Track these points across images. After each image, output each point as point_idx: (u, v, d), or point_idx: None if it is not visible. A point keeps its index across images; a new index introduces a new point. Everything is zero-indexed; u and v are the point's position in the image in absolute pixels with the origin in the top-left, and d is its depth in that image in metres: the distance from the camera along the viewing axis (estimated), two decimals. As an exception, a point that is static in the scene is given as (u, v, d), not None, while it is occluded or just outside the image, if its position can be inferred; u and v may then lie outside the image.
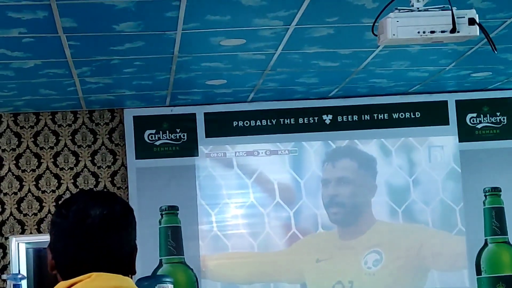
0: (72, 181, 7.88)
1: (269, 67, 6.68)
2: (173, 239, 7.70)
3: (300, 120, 7.92)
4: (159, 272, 7.61)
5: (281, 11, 5.23)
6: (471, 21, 3.65)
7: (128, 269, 1.99)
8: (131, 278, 2.01)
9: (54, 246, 1.97)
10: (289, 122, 7.91)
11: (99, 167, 7.91)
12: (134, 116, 7.84)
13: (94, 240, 1.94)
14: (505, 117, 8.01)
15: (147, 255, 7.62)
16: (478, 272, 7.82)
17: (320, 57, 6.43)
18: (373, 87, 7.64)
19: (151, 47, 5.91)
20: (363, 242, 7.85)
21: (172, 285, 7.07)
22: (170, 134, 7.84)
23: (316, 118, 7.93)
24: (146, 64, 6.37)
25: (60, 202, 1.94)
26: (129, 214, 2.02)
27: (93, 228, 1.95)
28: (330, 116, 7.95)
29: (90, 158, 7.91)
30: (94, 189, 7.82)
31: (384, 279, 7.82)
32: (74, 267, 1.94)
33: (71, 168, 7.90)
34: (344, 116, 7.95)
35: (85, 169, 7.91)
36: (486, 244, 7.86)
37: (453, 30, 3.61)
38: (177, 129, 7.85)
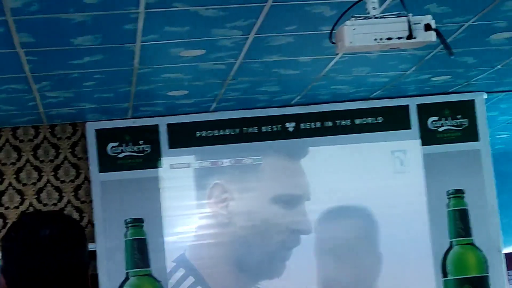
0: (36, 196, 7.82)
1: (230, 77, 6.69)
2: (139, 252, 7.66)
3: (263, 129, 7.92)
4: (126, 286, 7.57)
5: (239, 20, 5.23)
6: (427, 27, 3.68)
7: (83, 286, 1.99)
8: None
9: (6, 269, 1.96)
10: (252, 131, 7.91)
11: (62, 182, 7.85)
12: (96, 129, 7.80)
13: (46, 261, 1.94)
14: (466, 120, 8.07)
15: (114, 269, 7.59)
16: (444, 274, 7.87)
17: (281, 65, 6.44)
18: (334, 94, 7.67)
19: (110, 60, 5.88)
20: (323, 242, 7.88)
21: (139, 298, 7.05)
22: (133, 146, 7.81)
23: (279, 126, 7.94)
24: (107, 77, 6.35)
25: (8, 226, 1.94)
26: (79, 232, 2.02)
27: (44, 248, 1.94)
28: (293, 124, 7.96)
29: (53, 173, 7.85)
30: (58, 204, 7.77)
31: (350, 284, 7.83)
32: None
33: (34, 184, 7.84)
34: (307, 123, 7.96)
35: (48, 184, 7.85)
36: (451, 246, 7.90)
37: (409, 36, 3.64)
38: (140, 141, 7.82)
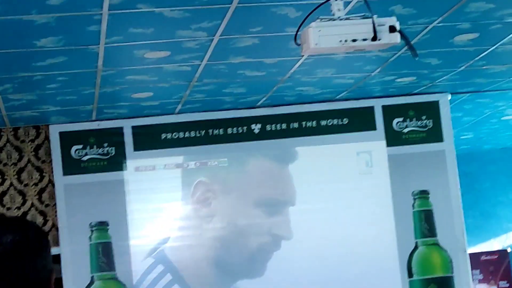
0: (-1, 200, 7.75)
1: (195, 79, 6.66)
2: (104, 255, 7.61)
3: (229, 131, 7.90)
4: (91, 289, 7.52)
5: (204, 22, 5.21)
6: (392, 29, 3.68)
7: None
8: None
9: None
10: (218, 133, 7.89)
11: (25, 185, 7.78)
12: (60, 132, 7.73)
13: (8, 269, 1.90)
14: (431, 121, 8.11)
15: (79, 272, 7.53)
16: (410, 274, 7.90)
17: (246, 67, 6.43)
18: (300, 95, 7.67)
19: (74, 62, 5.83)
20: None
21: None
22: (97, 149, 7.75)
23: (245, 127, 7.92)
24: (70, 79, 6.29)
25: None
26: (42, 238, 1.99)
27: (5, 255, 1.91)
28: (259, 126, 7.94)
29: (16, 176, 7.77)
30: (21, 208, 7.69)
31: (317, 284, 7.84)
32: None
33: (-3, 187, 7.76)
34: (272, 125, 7.95)
35: (11, 187, 7.76)
36: (416, 247, 7.94)
37: (374, 38, 3.64)
38: (104, 144, 7.76)
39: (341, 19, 3.66)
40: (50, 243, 2.00)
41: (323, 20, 3.65)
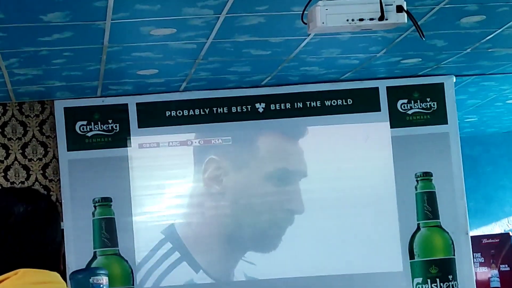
0: (3, 174, 7.76)
1: (200, 57, 6.66)
2: (107, 231, 7.64)
3: (233, 109, 7.91)
4: (94, 265, 7.55)
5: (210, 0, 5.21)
6: (399, 9, 3.68)
7: (55, 265, 1.98)
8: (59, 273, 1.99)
9: None
10: (222, 111, 7.89)
11: (30, 160, 7.80)
12: (65, 108, 7.74)
13: (19, 238, 1.92)
14: (435, 103, 8.10)
15: (81, 248, 7.56)
16: (411, 256, 7.92)
17: (252, 45, 6.43)
18: (305, 75, 7.67)
19: (80, 37, 5.83)
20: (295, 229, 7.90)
21: (107, 277, 7.04)
22: (102, 125, 7.76)
23: (249, 106, 7.93)
24: (76, 54, 6.29)
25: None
26: (53, 210, 2.01)
27: (18, 225, 1.93)
28: (263, 105, 7.95)
29: (20, 151, 7.79)
30: (26, 183, 7.72)
31: (319, 263, 7.86)
32: (0, 265, 1.91)
33: (1, 161, 7.77)
34: (277, 104, 7.95)
35: (16, 162, 7.79)
36: (418, 228, 7.96)
37: (381, 18, 3.63)
38: (109, 120, 7.77)
39: (348, -2, 3.66)
40: (60, 215, 2.02)
41: (330, -2, 3.66)
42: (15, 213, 1.92)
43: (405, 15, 3.69)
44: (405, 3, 3.71)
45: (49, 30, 5.58)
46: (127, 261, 7.63)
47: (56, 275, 1.94)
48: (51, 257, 1.95)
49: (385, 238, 7.95)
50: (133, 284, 7.64)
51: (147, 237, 7.74)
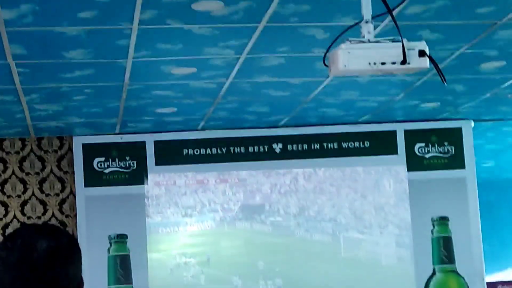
0: (20, 209, 7.78)
1: (220, 96, 6.68)
2: (122, 268, 7.63)
3: (250, 149, 7.92)
4: (108, 302, 7.53)
5: (232, 40, 5.24)
6: (421, 53, 3.68)
7: None
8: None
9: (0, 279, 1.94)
10: (239, 151, 7.90)
11: (47, 195, 7.82)
12: (83, 144, 7.77)
13: (41, 274, 1.92)
14: (453, 147, 8.09)
15: (96, 284, 7.53)
16: (427, 300, 7.87)
17: (271, 86, 6.45)
18: (323, 117, 7.68)
19: (101, 74, 5.87)
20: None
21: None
22: (119, 162, 7.78)
23: (266, 146, 7.94)
24: (96, 91, 6.33)
25: (4, 235, 1.92)
26: (75, 247, 2.01)
27: (40, 261, 1.93)
28: (280, 145, 7.96)
29: (38, 186, 7.81)
30: (42, 218, 7.73)
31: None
32: None
33: (19, 196, 7.79)
34: (294, 145, 7.96)
35: (33, 196, 7.80)
36: (434, 273, 7.91)
37: (403, 62, 3.64)
38: (126, 157, 7.79)
39: (371, 42, 3.66)
40: (81, 252, 2.02)
41: (353, 42, 3.66)
42: (38, 250, 1.92)
43: (427, 59, 3.69)
44: (427, 48, 3.71)
45: (71, 66, 5.62)
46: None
47: None
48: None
49: (400, 282, 7.90)
50: (147, 322, 7.61)
51: (161, 274, 7.72)
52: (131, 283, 7.62)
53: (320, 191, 8.00)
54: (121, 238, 7.65)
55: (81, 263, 2.01)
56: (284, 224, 7.96)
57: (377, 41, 3.66)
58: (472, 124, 8.10)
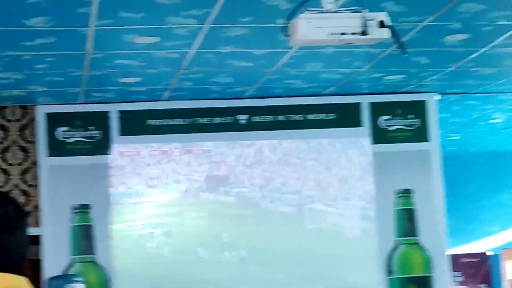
0: (-18, 178, 7.72)
1: (183, 66, 6.64)
2: (85, 238, 7.60)
3: (215, 120, 7.89)
4: (71, 271, 7.50)
5: (194, 9, 5.20)
6: (382, 24, 3.68)
7: (21, 269, 1.96)
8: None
9: None
10: (204, 122, 7.88)
11: (10, 164, 7.75)
12: (46, 113, 7.70)
13: None
14: (418, 120, 8.11)
15: (58, 254, 7.52)
16: (389, 272, 7.91)
17: (235, 56, 6.42)
18: (288, 88, 7.66)
19: (63, 43, 5.81)
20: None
21: (83, 285, 6.99)
22: (83, 132, 7.73)
23: (231, 118, 7.91)
24: (58, 60, 6.27)
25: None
26: (23, 215, 2.00)
27: None
28: (245, 117, 7.94)
29: (0, 155, 7.74)
30: (5, 187, 7.67)
31: (298, 278, 7.85)
32: None
33: (-19, 165, 7.73)
34: (259, 117, 7.94)
35: (-5, 166, 7.75)
36: (397, 245, 7.95)
37: (363, 32, 3.63)
38: (90, 127, 7.74)
39: (330, 12, 3.65)
40: (28, 220, 2.00)
41: (312, 12, 3.65)
42: None
43: (388, 30, 3.69)
44: (388, 18, 3.70)
45: (32, 34, 5.55)
46: (104, 269, 7.58)
47: (22, 280, 1.93)
48: (18, 261, 1.94)
49: (363, 253, 7.94)
50: (110, 292, 7.60)
51: (125, 245, 7.70)
52: (94, 254, 7.59)
53: (285, 163, 8.00)
54: (84, 209, 7.62)
55: (27, 231, 1.99)
56: (249, 196, 7.96)
57: (337, 12, 3.65)
58: (437, 97, 8.12)
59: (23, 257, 1.98)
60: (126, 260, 7.68)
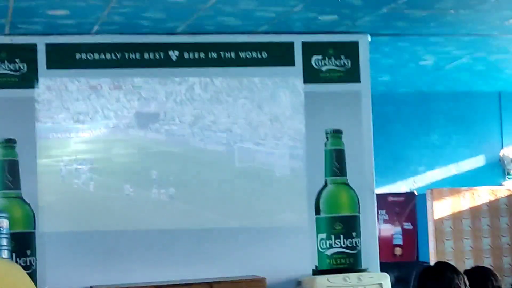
0: None
1: (113, -1, 6.50)
2: (10, 173, 7.46)
3: (146, 56, 7.76)
4: (-5, 207, 7.38)
5: None
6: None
7: None
8: None
9: None
10: (134, 57, 7.74)
11: None
12: (-30, 44, 7.49)
13: None
14: (349, 61, 8.11)
15: (-18, 189, 7.39)
16: (317, 211, 7.97)
17: (167, -9, 6.29)
18: (220, 25, 7.56)
19: (-13, -28, 5.62)
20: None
21: (7, 220, 6.90)
22: (8, 64, 7.53)
23: (162, 53, 7.80)
24: (-17, -11, 6.07)
25: None
26: None
27: None
28: (176, 53, 7.82)
29: None
30: None
31: (223, 215, 7.86)
32: None
33: None
34: (190, 53, 7.84)
35: None
36: (326, 185, 8.00)
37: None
38: (16, 59, 7.54)
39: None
40: None
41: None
42: None
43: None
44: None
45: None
46: (29, 205, 7.48)
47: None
48: None
49: (292, 192, 7.97)
50: (34, 228, 7.49)
51: (51, 180, 7.59)
52: (20, 189, 7.47)
53: (216, 101, 7.93)
54: (9, 143, 7.47)
55: None
56: (178, 133, 7.89)
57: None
58: (369, 38, 8.12)
59: None
60: (52, 196, 7.58)
